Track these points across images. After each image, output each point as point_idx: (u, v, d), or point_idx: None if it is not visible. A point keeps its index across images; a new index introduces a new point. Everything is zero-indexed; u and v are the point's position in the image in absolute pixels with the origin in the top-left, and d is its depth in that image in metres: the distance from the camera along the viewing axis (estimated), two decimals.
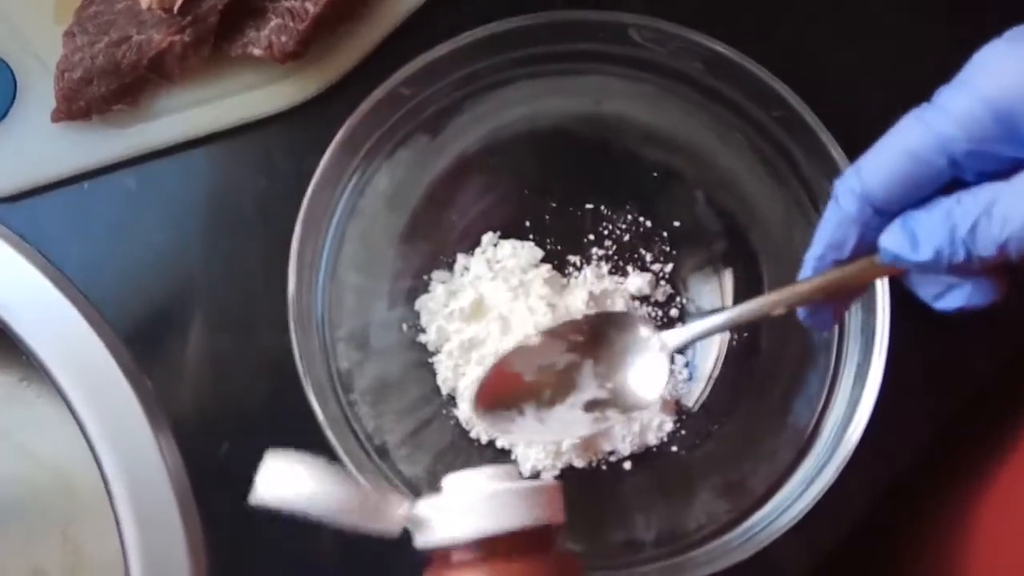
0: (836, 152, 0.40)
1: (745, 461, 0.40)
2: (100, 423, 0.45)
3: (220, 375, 0.44)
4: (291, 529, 0.42)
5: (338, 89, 0.46)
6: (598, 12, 0.42)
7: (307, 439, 0.42)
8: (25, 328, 0.46)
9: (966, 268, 0.28)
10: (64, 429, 0.57)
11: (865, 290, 0.37)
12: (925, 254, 0.28)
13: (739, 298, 0.43)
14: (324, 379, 0.40)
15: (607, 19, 0.41)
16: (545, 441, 0.40)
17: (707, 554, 0.37)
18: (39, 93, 0.45)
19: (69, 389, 0.45)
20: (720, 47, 0.41)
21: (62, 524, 0.57)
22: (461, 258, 0.45)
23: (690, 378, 0.43)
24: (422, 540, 0.30)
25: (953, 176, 0.28)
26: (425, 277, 0.44)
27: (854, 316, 0.39)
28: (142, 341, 0.45)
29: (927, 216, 0.28)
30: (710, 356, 0.43)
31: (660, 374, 0.36)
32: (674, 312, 0.44)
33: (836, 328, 0.40)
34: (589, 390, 0.37)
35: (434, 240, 0.44)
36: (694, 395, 0.43)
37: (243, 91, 0.45)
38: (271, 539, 0.42)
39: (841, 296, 0.33)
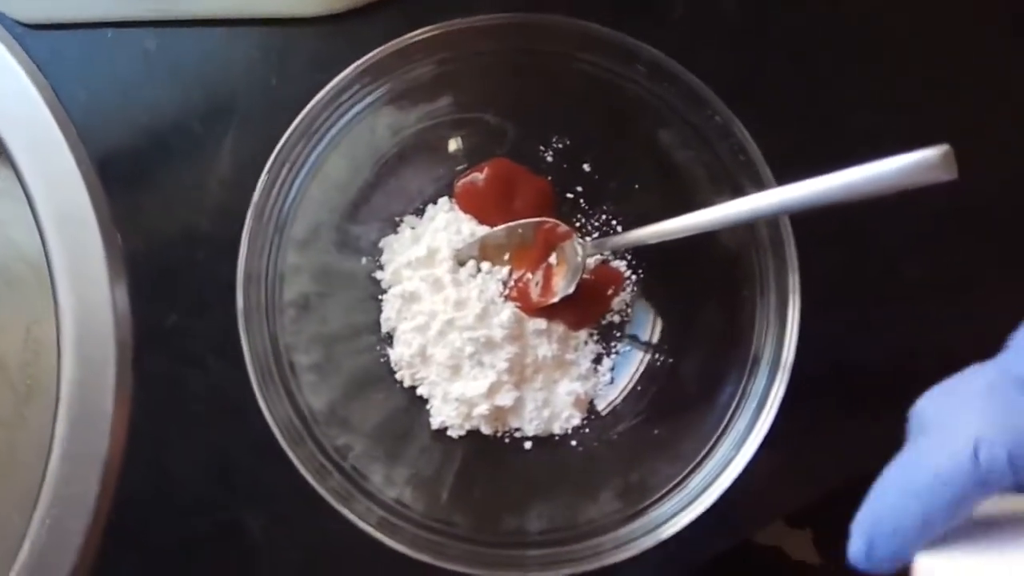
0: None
1: (639, 468, 0.42)
2: (66, 262, 0.47)
3: (186, 252, 0.46)
4: (214, 409, 0.45)
5: (364, 13, 0.47)
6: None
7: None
8: (17, 152, 0.48)
9: None
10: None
11: None
12: None
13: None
14: (262, 277, 0.41)
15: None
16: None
17: (592, 548, 0.38)
18: None
19: (45, 220, 0.47)
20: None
21: (28, 320, 0.60)
22: (430, 209, 0.46)
23: (611, 382, 0.45)
24: None
25: None
26: (397, 219, 0.46)
27: (766, 351, 0.41)
28: (121, 194, 0.46)
29: None
30: (631, 367, 0.45)
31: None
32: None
33: (747, 369, 0.41)
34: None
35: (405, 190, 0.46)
36: (607, 399, 0.44)
37: None
38: (194, 412, 0.45)
39: None
